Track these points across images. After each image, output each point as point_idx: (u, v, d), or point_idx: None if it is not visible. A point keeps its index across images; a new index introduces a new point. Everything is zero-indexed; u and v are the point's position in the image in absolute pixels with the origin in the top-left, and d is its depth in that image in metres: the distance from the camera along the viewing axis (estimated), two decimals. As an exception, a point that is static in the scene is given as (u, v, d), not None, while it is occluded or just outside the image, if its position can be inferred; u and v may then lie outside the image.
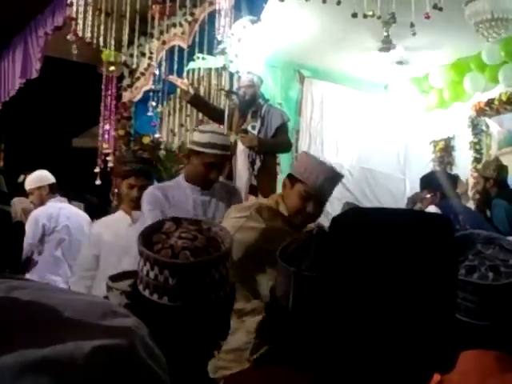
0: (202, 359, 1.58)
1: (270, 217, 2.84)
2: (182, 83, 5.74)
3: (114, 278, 1.94)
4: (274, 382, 1.69)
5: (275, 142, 5.46)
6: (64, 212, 5.42)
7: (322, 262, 1.72)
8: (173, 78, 5.85)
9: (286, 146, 5.80)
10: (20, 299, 1.04)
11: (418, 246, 0.92)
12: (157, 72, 6.30)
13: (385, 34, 6.32)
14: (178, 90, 6.09)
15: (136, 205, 3.95)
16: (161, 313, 1.48)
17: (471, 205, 6.53)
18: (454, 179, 5.47)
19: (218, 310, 1.55)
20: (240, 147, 5.41)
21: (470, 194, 7.27)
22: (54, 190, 5.59)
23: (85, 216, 5.61)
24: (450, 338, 0.97)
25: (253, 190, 5.35)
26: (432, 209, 4.78)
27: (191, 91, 5.72)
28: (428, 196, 5.13)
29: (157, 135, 7.00)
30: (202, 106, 6.05)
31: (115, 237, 4.02)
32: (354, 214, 0.99)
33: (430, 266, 0.92)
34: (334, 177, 2.91)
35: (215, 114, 5.96)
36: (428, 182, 5.32)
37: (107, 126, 7.25)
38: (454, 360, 0.98)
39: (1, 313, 1.03)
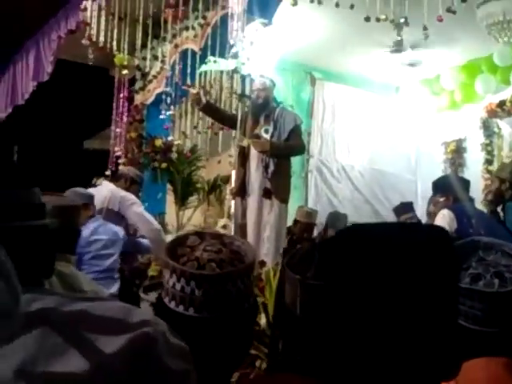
0: (226, 372, 1.59)
1: None
2: (192, 94, 5.78)
3: (146, 288, 1.96)
4: None
5: (288, 146, 5.46)
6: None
7: (325, 271, 1.76)
8: (187, 87, 5.89)
9: (300, 149, 5.81)
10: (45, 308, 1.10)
11: (417, 256, 0.97)
12: (169, 75, 6.33)
13: (398, 38, 6.29)
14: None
15: None
16: (186, 324, 1.50)
17: (482, 207, 6.51)
18: (467, 183, 5.46)
19: (242, 321, 1.56)
20: (253, 151, 5.44)
21: (482, 195, 7.25)
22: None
23: None
24: (453, 346, 0.99)
25: (267, 194, 5.37)
26: (445, 212, 4.78)
27: (203, 100, 5.76)
28: (441, 200, 5.13)
29: (170, 138, 7.03)
30: (214, 113, 6.08)
31: None
32: (355, 229, 1.03)
33: (430, 275, 0.96)
34: None
35: (227, 120, 6.01)
36: (441, 185, 5.31)
37: (119, 129, 7.27)
38: (458, 368, 1.00)
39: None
